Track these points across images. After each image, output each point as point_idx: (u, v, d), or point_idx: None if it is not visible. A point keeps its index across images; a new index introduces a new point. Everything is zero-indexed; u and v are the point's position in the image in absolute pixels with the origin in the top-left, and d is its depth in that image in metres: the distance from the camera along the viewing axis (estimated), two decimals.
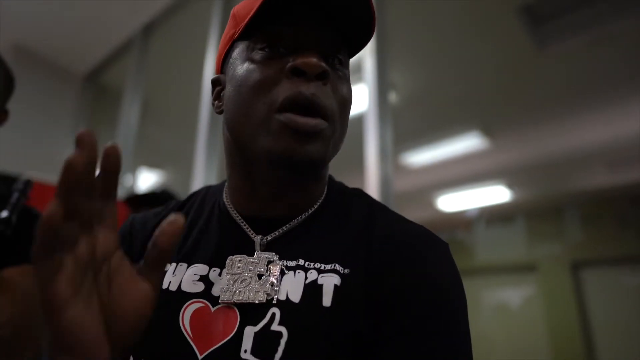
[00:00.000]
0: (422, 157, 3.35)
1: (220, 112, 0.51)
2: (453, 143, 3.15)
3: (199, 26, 2.89)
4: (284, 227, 0.48)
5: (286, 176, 0.46)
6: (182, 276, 0.47)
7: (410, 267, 0.42)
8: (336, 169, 0.57)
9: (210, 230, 0.52)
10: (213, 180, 2.39)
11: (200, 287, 0.46)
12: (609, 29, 2.05)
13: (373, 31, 0.47)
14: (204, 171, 2.39)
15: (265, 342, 0.40)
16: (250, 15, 0.43)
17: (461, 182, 3.82)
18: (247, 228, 0.49)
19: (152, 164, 3.67)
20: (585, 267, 3.52)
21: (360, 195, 0.54)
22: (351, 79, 0.50)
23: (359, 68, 1.99)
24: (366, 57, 1.95)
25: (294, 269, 0.44)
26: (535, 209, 3.97)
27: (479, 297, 4.03)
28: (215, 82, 0.53)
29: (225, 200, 0.53)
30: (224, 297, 0.43)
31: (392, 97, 2.60)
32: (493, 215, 4.22)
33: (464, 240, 4.34)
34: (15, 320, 0.69)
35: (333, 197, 0.52)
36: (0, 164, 1.99)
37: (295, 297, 0.42)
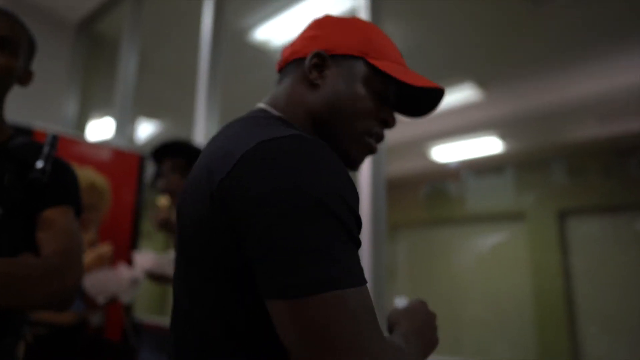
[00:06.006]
0: None
1: (314, 85, 0.61)
2: (447, 94, 3.21)
3: None
4: None
5: None
6: None
7: None
8: None
9: None
10: (214, 130, 2.46)
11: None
12: None
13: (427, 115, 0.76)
14: (205, 121, 2.46)
15: None
16: (396, 77, 0.61)
17: (454, 133, 3.90)
18: None
19: (150, 115, 3.71)
20: (571, 215, 3.70)
21: None
22: None
23: None
24: (361, 10, 1.97)
25: None
26: (526, 160, 4.08)
27: (470, 244, 4.23)
28: (320, 56, 0.61)
29: None
30: None
31: None
32: (484, 166, 4.34)
33: (454, 190, 4.48)
34: (61, 252, 0.81)
35: None
36: None
37: None
